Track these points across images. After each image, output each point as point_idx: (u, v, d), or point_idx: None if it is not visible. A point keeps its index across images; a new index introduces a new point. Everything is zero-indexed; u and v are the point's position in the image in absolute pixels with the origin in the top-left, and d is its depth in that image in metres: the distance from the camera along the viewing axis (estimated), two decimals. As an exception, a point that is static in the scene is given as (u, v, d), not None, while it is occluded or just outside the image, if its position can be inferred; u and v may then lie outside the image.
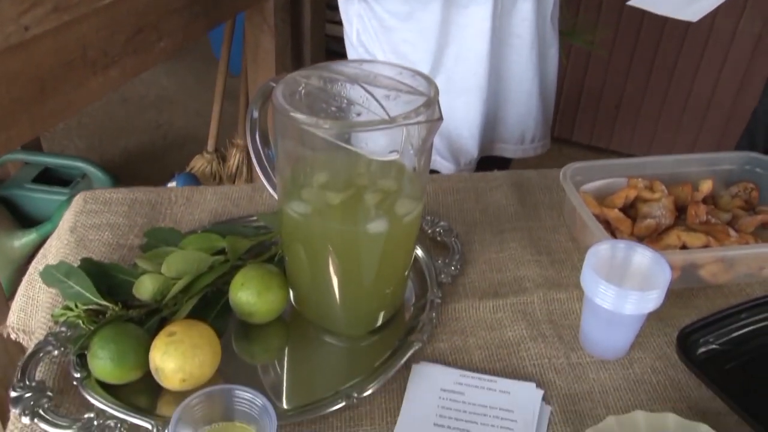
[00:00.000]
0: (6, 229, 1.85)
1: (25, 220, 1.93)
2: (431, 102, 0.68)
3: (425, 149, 0.69)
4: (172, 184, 2.00)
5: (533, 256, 0.92)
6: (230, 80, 2.19)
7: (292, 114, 0.66)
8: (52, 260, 0.89)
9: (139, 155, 2.57)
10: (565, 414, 0.72)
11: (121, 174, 2.23)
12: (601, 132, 2.62)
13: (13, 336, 0.93)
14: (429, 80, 0.72)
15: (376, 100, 0.67)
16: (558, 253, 0.93)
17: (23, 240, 1.84)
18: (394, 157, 0.67)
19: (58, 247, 0.91)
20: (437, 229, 0.93)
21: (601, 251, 0.77)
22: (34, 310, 0.90)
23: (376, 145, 0.68)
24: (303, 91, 0.72)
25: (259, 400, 0.62)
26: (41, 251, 0.99)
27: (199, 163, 2.19)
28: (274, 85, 0.71)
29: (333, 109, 0.71)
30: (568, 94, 2.56)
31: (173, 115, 2.82)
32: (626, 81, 2.47)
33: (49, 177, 2.01)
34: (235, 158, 2.15)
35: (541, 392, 0.74)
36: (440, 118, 0.67)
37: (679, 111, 2.46)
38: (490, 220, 0.98)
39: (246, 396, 0.62)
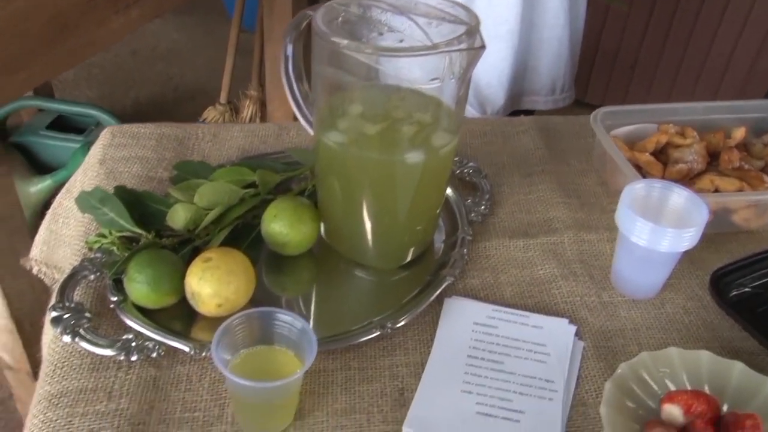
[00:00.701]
0: (21, 176, 1.84)
1: (39, 167, 1.93)
2: (473, 30, 0.67)
3: (466, 79, 0.68)
4: (186, 134, 1.98)
5: (562, 198, 0.92)
6: (241, 35, 2.17)
7: (333, 39, 0.65)
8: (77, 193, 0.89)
9: (149, 106, 2.56)
10: (598, 350, 0.73)
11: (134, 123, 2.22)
12: (615, 93, 2.60)
13: (35, 269, 0.93)
14: (468, 10, 0.71)
15: (419, 26, 0.66)
16: (587, 197, 0.93)
17: (39, 186, 1.84)
18: (435, 84, 0.66)
19: (86, 179, 0.91)
20: (466, 170, 0.93)
21: (637, 190, 0.77)
22: (57, 244, 0.90)
23: (417, 72, 0.67)
24: (342, 19, 0.71)
25: (299, 323, 0.62)
26: (65, 186, 0.98)
27: (212, 114, 2.18)
28: (311, 13, 0.70)
29: (373, 35, 0.70)
30: (582, 53, 2.53)
31: (183, 68, 2.80)
32: (643, 40, 2.45)
33: (62, 125, 2.00)
34: (248, 109, 2.14)
35: (573, 328, 0.74)
36: (483, 47, 0.66)
37: (695, 73, 2.44)
38: (518, 163, 0.98)
39: (286, 319, 0.62)
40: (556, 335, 0.74)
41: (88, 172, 0.92)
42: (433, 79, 0.67)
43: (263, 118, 2.13)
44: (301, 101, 0.79)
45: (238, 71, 2.21)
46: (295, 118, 0.81)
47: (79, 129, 1.98)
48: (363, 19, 0.71)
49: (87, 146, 1.85)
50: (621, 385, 0.67)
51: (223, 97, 2.19)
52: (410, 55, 0.65)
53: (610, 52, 2.51)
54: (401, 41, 0.69)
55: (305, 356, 0.61)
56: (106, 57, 2.77)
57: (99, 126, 1.99)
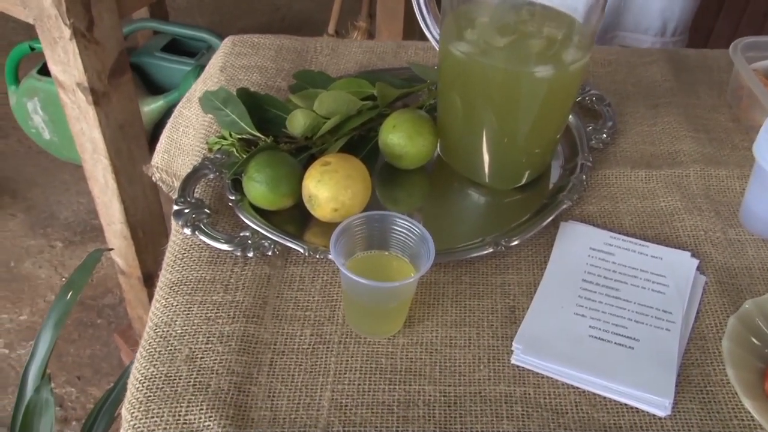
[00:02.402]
0: (137, 95, 1.90)
1: (153, 88, 1.99)
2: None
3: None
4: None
5: (689, 132, 0.87)
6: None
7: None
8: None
9: (258, 36, 2.59)
10: (721, 285, 0.69)
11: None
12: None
13: (156, 176, 0.96)
14: None
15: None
16: (717, 132, 0.88)
17: (152, 106, 1.90)
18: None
19: (206, 87, 0.92)
20: (588, 97, 0.89)
21: (780, 120, 0.71)
22: (178, 153, 0.92)
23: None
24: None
25: (418, 229, 0.62)
26: (186, 95, 1.00)
27: (319, 45, 2.18)
28: None
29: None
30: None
31: (291, -1, 2.81)
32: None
33: (176, 48, 2.05)
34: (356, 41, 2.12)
35: (696, 261, 0.71)
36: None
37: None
38: (644, 93, 0.93)
39: (405, 225, 0.62)
40: (677, 267, 0.70)
41: (209, 81, 0.93)
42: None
43: (370, 50, 2.11)
44: (426, 14, 0.77)
45: (347, 2, 2.20)
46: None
47: (192, 53, 2.03)
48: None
49: (198, 69, 1.89)
50: (746, 322, 0.64)
51: (331, 27, 2.18)
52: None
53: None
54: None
55: (421, 263, 0.60)
56: (218, -15, 2.81)
57: (210, 50, 2.02)
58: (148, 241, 1.31)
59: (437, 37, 0.77)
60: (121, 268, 1.36)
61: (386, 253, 0.64)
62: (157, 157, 0.97)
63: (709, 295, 0.68)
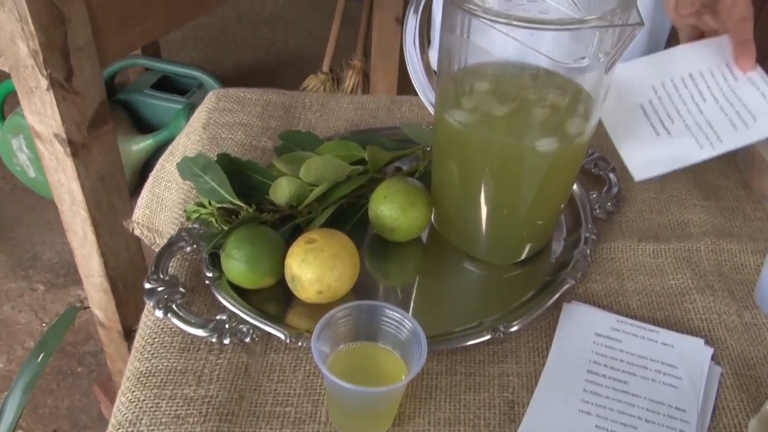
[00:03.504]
0: (125, 134, 1.86)
1: (142, 126, 1.94)
2: (629, 3, 0.58)
3: (615, 59, 0.60)
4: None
5: (699, 200, 0.82)
6: (349, 3, 2.12)
7: (467, 5, 0.58)
8: (179, 158, 0.86)
9: (251, 71, 2.55)
10: (739, 378, 0.64)
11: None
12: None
13: (137, 232, 0.91)
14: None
15: (567, -4, 0.58)
16: (727, 200, 0.83)
17: (140, 145, 1.85)
18: (581, 64, 0.58)
19: (189, 143, 0.87)
20: (591, 160, 0.84)
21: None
22: (159, 208, 0.87)
23: (561, 49, 0.59)
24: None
25: (409, 323, 0.56)
26: (169, 149, 0.96)
27: (313, 83, 2.14)
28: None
29: (513, 4, 0.62)
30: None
31: (287, 35, 2.78)
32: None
33: (167, 85, 2.01)
34: (350, 80, 2.09)
35: (710, 350, 0.65)
36: (641, 23, 0.57)
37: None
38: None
39: (395, 316, 0.57)
40: (690, 357, 0.65)
41: (192, 136, 0.88)
42: (578, 59, 0.59)
43: (365, 90, 2.08)
44: (422, 76, 0.73)
45: (342, 40, 2.16)
46: (400, 92, 0.74)
47: (183, 90, 1.99)
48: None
49: (189, 107, 1.85)
50: (769, 425, 0.58)
51: (325, 66, 2.15)
52: (557, 29, 0.57)
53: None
54: (544, 12, 0.61)
55: (412, 360, 0.55)
56: (212, 20, 2.78)
57: (201, 88, 1.98)
58: (129, 294, 1.25)
59: (433, 101, 0.73)
60: (101, 320, 1.30)
61: (375, 345, 0.59)
62: (138, 213, 0.92)
63: (725, 389, 0.63)
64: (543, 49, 0.58)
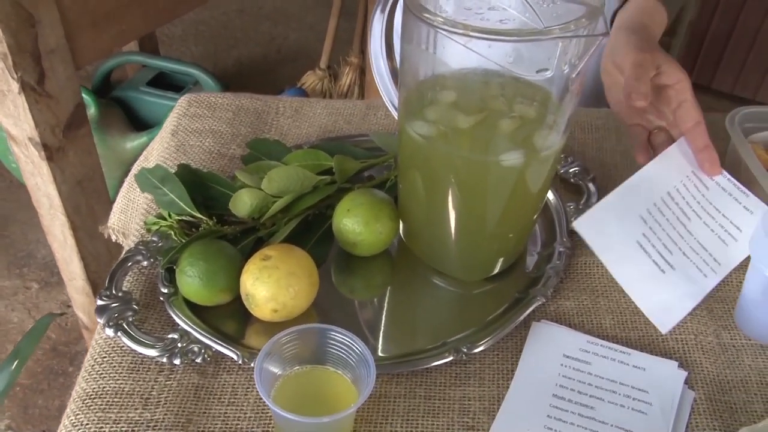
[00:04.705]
0: (120, 131, 1.84)
1: (138, 123, 1.93)
2: (594, 13, 0.55)
3: (582, 71, 0.57)
4: (281, 99, 1.94)
5: (682, 211, 0.79)
6: (348, -2, 2.09)
7: (424, 15, 0.55)
8: (153, 164, 0.84)
9: (251, 66, 2.53)
10: (713, 404, 0.61)
11: (232, 84, 2.19)
12: (750, 78, 2.35)
13: (113, 237, 0.89)
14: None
15: (530, 5, 0.55)
16: (713, 212, 0.79)
17: (135, 142, 1.84)
18: (544, 76, 0.55)
19: (159, 150, 0.85)
20: (571, 169, 0.81)
21: (779, 214, 0.63)
22: (134, 213, 0.85)
23: (521, 60, 0.56)
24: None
25: (358, 346, 0.54)
26: (143, 153, 0.94)
27: (311, 80, 2.12)
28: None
29: (472, 13, 0.59)
30: (710, 32, 2.30)
31: (288, 29, 2.75)
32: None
33: (163, 82, 1.99)
34: (347, 77, 2.06)
35: (684, 374, 0.63)
36: (606, 33, 0.54)
37: None
38: (633, 164, 0.84)
39: (344, 340, 0.54)
40: (662, 381, 0.62)
41: (164, 142, 0.86)
42: (540, 70, 0.56)
43: (362, 87, 2.05)
44: (389, 80, 0.70)
45: (342, 35, 2.13)
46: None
47: (179, 87, 1.97)
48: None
49: (182, 105, 1.83)
50: (739, 456, 0.55)
51: (323, 62, 2.12)
52: (515, 40, 0.54)
53: (750, 31, 2.25)
54: (502, 21, 0.58)
55: (361, 384, 0.53)
56: (214, 15, 2.76)
57: (197, 85, 1.96)
58: (112, 297, 1.23)
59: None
60: (85, 323, 1.29)
61: (325, 368, 0.56)
62: (114, 218, 0.91)
63: (698, 415, 0.60)
64: (503, 61, 0.55)
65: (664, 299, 0.67)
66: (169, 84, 1.98)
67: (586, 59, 0.56)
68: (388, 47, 0.68)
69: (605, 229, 0.70)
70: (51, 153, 1.01)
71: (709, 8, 2.27)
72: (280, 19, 2.82)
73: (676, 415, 0.59)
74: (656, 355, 0.64)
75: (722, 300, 0.70)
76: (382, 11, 0.66)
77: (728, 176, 0.75)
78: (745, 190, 0.74)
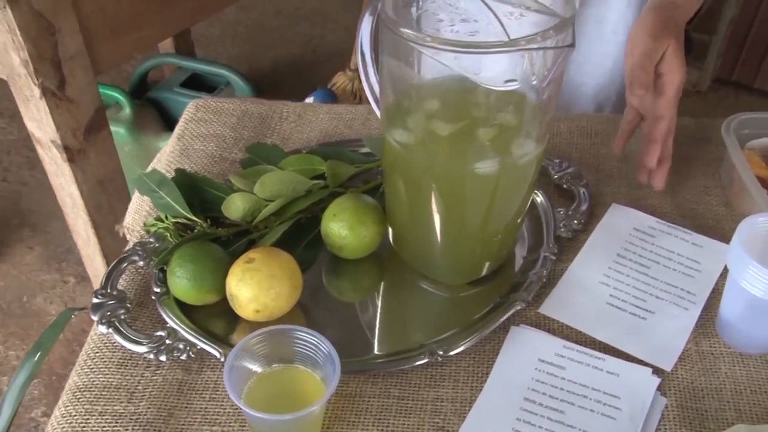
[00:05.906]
0: (154, 131, 1.90)
1: (172, 123, 1.98)
2: (564, 25, 0.56)
3: (552, 81, 0.58)
4: (309, 100, 1.97)
5: (674, 218, 0.79)
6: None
7: (400, 29, 0.57)
8: (163, 166, 0.87)
9: (286, 67, 2.57)
10: (683, 411, 0.61)
11: (265, 85, 2.23)
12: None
13: (128, 236, 0.93)
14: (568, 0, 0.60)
15: (497, 17, 0.56)
16: (705, 218, 0.79)
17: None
18: (511, 87, 0.57)
19: (166, 154, 0.89)
20: (564, 174, 0.82)
21: (758, 224, 0.63)
22: (147, 213, 0.89)
23: (491, 71, 0.57)
24: (418, 5, 0.63)
25: (324, 346, 0.56)
26: (157, 156, 0.97)
27: (341, 80, 2.14)
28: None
29: (444, 24, 0.61)
30: (757, 32, 2.25)
31: (325, 29, 2.78)
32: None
33: (197, 83, 2.04)
34: (377, 78, 2.08)
35: (657, 381, 0.63)
36: (571, 45, 0.55)
37: None
38: (630, 170, 0.85)
39: (310, 340, 0.57)
40: (634, 386, 0.63)
41: (169, 147, 0.90)
42: (508, 81, 0.57)
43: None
44: (375, 83, 0.71)
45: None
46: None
47: (212, 88, 2.02)
48: (440, 5, 0.62)
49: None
50: (703, 464, 0.56)
51: (353, 63, 2.14)
52: (478, 52, 0.55)
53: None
54: (472, 34, 0.60)
55: (329, 380, 0.55)
56: (251, 16, 2.81)
57: (228, 86, 2.01)
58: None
59: (385, 117, 0.72)
60: (110, 318, 1.34)
61: (295, 367, 0.59)
62: (128, 218, 0.94)
63: (667, 422, 0.61)
64: (470, 72, 0.57)
65: (657, 342, 0.66)
66: (202, 85, 2.03)
67: (554, 69, 0.57)
68: (376, 52, 0.70)
69: (572, 303, 0.70)
70: (72, 155, 1.06)
71: (752, 7, 2.22)
72: (317, 19, 2.85)
73: (644, 422, 0.60)
74: (631, 360, 0.65)
75: (708, 307, 0.70)
76: (371, 14, 0.67)
77: (664, 221, 0.77)
78: (686, 230, 0.76)
